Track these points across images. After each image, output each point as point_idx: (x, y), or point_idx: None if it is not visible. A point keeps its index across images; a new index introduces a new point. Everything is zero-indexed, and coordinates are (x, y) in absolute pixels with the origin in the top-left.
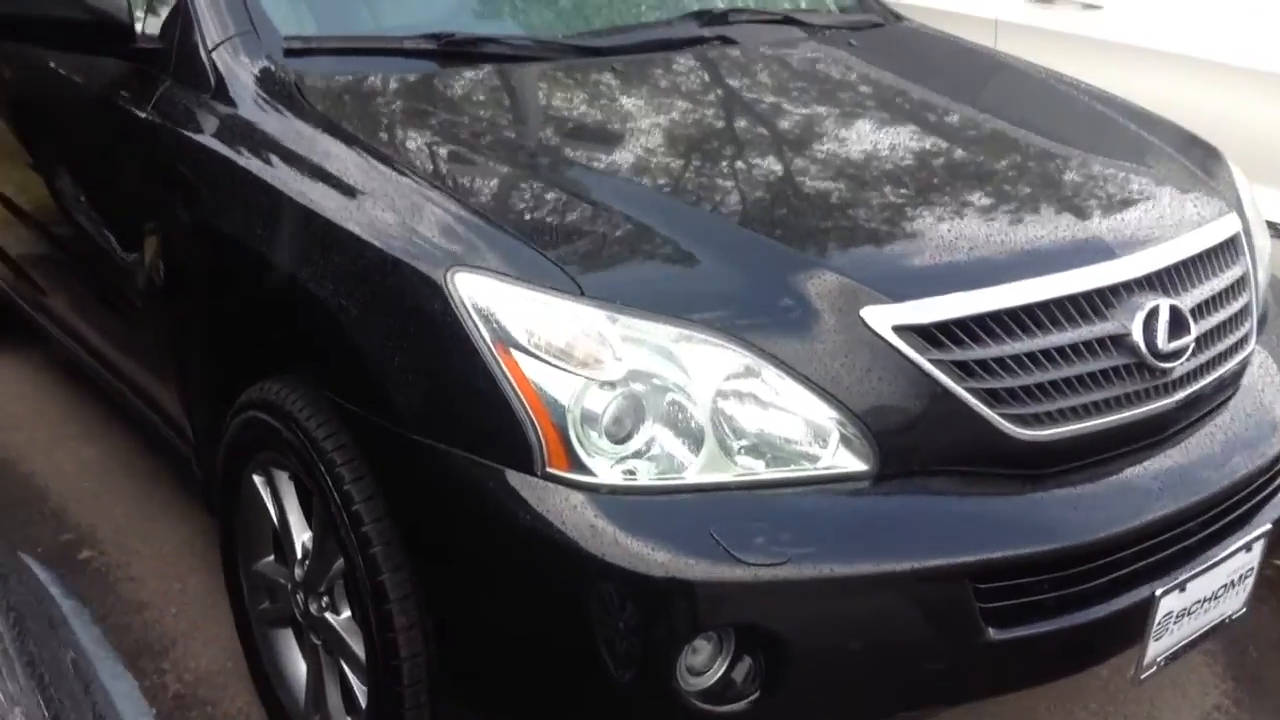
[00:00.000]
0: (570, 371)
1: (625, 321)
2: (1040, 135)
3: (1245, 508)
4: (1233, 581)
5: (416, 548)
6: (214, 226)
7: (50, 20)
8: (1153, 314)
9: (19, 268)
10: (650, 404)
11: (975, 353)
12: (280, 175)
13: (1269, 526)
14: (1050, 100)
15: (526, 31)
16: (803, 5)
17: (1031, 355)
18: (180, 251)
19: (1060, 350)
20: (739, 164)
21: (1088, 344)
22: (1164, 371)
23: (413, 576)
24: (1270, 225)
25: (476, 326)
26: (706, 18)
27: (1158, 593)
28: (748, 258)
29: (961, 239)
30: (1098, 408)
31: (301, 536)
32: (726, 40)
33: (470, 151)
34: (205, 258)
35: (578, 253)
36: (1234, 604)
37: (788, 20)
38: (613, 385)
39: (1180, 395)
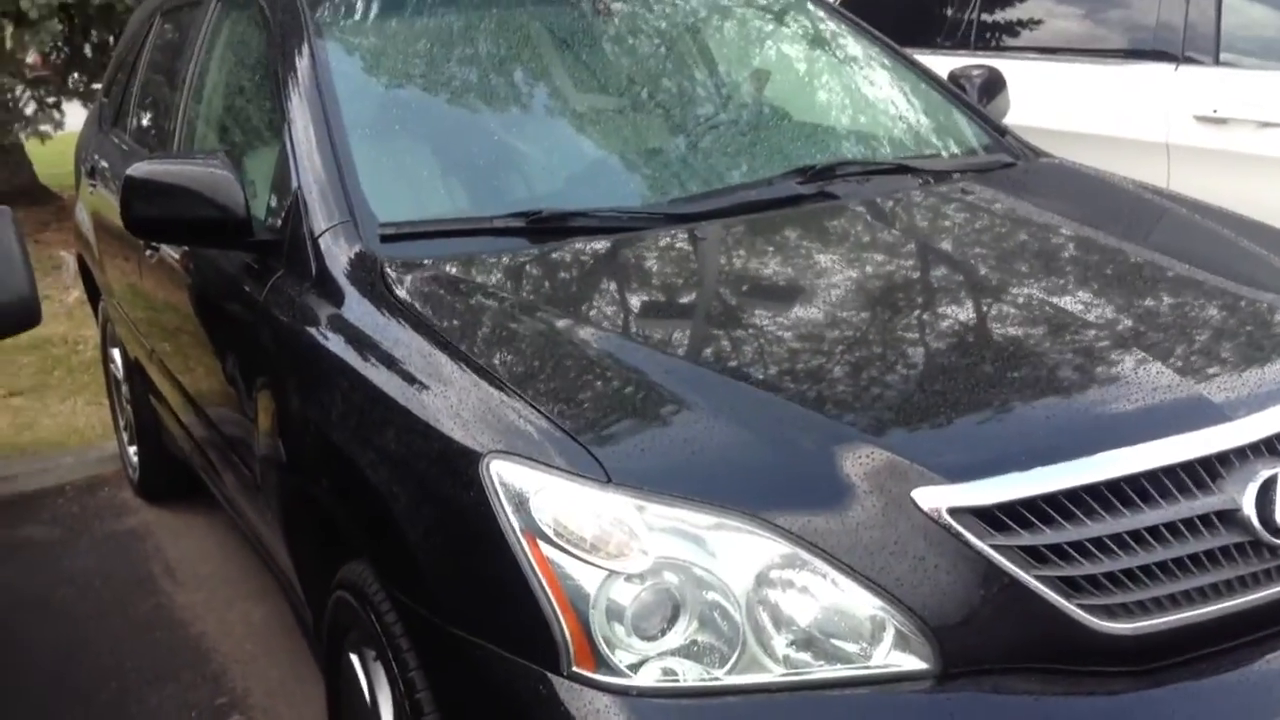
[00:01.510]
0: (595, 565)
1: (654, 510)
2: (1158, 281)
3: None
4: None
5: None
6: (304, 408)
7: (183, 221)
8: (1270, 484)
9: (194, 439)
10: (682, 597)
11: (1047, 537)
12: (351, 360)
13: None
14: (1184, 238)
15: (619, 201)
16: (932, 146)
17: (1116, 537)
18: (285, 430)
19: (1153, 530)
20: (788, 331)
21: (1187, 522)
22: None
23: None
24: None
25: (508, 516)
26: (810, 173)
27: None
28: (788, 433)
29: (1033, 405)
30: (1203, 594)
31: None
32: (829, 195)
33: (524, 334)
34: (302, 439)
35: (612, 435)
36: None
37: (901, 168)
38: (641, 578)
39: None
